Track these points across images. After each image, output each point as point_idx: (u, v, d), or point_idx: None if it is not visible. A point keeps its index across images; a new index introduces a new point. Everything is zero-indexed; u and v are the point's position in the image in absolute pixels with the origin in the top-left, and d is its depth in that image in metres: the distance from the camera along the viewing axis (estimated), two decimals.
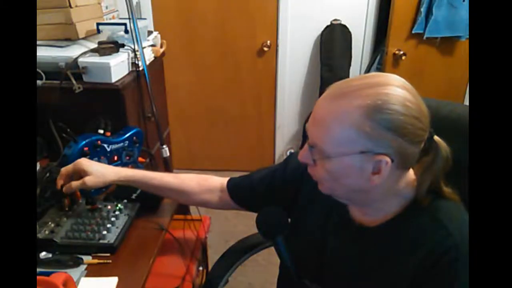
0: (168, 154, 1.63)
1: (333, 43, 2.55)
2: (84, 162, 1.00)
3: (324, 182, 0.75)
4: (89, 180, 0.97)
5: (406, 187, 0.73)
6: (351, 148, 0.67)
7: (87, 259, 0.94)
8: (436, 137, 0.70)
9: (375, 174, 0.68)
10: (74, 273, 0.89)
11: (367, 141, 0.66)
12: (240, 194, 1.02)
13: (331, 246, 0.84)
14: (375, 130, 0.65)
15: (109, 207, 1.08)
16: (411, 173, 0.74)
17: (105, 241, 0.96)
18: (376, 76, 0.70)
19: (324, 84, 2.60)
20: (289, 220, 0.95)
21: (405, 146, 0.66)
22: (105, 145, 1.19)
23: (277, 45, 2.66)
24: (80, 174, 0.99)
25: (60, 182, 1.00)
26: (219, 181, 1.04)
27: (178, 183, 1.02)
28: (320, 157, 0.71)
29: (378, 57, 2.65)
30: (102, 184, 1.00)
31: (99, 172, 0.99)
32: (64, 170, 1.00)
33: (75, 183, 0.98)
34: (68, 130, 1.13)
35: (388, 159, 0.66)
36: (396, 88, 0.66)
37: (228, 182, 1.04)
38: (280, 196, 0.96)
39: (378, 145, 0.66)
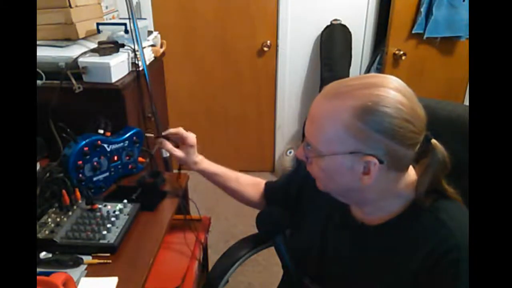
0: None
1: (333, 43, 2.55)
2: (194, 140, 1.08)
3: (319, 179, 0.76)
4: (179, 153, 1.07)
5: (407, 187, 0.73)
6: (341, 148, 0.68)
7: (87, 259, 0.94)
8: (433, 141, 0.70)
9: (365, 174, 0.68)
10: (74, 273, 0.89)
11: (356, 142, 0.66)
12: (270, 197, 1.08)
13: (332, 246, 0.84)
14: (364, 131, 0.65)
15: (109, 207, 1.08)
16: (412, 174, 0.74)
17: (105, 241, 0.96)
18: (372, 77, 0.70)
19: (324, 84, 2.59)
20: (292, 219, 0.96)
21: (396, 148, 0.66)
22: (105, 145, 1.19)
23: (277, 45, 2.66)
24: (181, 143, 1.08)
25: (167, 132, 1.09)
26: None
27: (237, 186, 1.10)
28: (314, 155, 0.72)
29: (378, 57, 2.65)
30: (184, 162, 1.08)
31: (188, 152, 1.07)
32: (179, 129, 1.09)
33: (170, 146, 1.08)
34: (68, 130, 1.13)
35: (376, 161, 0.66)
36: (389, 90, 0.66)
37: (265, 186, 1.10)
38: (291, 193, 0.98)
39: (367, 146, 0.66)
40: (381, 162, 0.67)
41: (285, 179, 1.06)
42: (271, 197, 1.08)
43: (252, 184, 1.11)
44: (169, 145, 1.08)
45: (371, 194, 0.73)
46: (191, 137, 1.08)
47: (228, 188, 1.10)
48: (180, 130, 1.09)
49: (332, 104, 0.68)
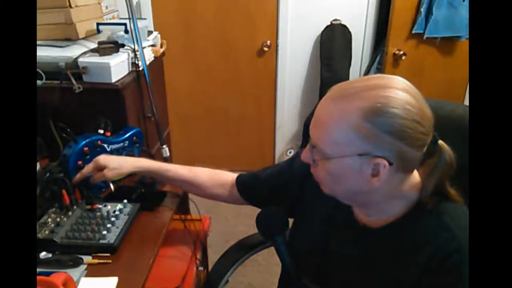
0: (168, 154, 1.63)
1: (333, 43, 2.55)
2: (102, 158, 1.07)
3: (325, 182, 0.75)
4: (107, 172, 1.05)
5: (411, 189, 0.73)
6: (349, 150, 0.67)
7: (87, 259, 0.94)
8: (440, 142, 0.70)
9: (374, 176, 0.68)
10: (74, 273, 0.89)
11: (365, 144, 0.66)
12: (248, 191, 1.04)
13: (334, 247, 0.84)
14: (373, 133, 0.65)
15: (109, 207, 1.08)
16: (416, 176, 0.74)
17: (105, 241, 0.96)
18: (379, 78, 0.69)
19: (324, 84, 2.60)
20: (292, 219, 0.95)
21: (405, 149, 0.66)
22: (105, 145, 1.19)
23: (277, 45, 2.66)
24: (101, 168, 1.06)
25: (77, 177, 1.07)
26: (230, 176, 1.08)
27: (191, 177, 1.06)
28: (320, 158, 0.71)
29: (378, 57, 2.65)
30: (120, 174, 1.07)
31: (117, 164, 1.06)
32: (85, 169, 1.08)
33: (97, 175, 1.06)
34: (68, 130, 1.13)
35: (386, 162, 0.66)
36: (397, 91, 0.65)
37: (237, 178, 1.06)
38: (285, 194, 0.97)
39: (376, 148, 0.66)
40: (390, 164, 0.66)
41: (273, 177, 1.01)
42: (252, 193, 1.04)
43: (208, 174, 1.08)
44: (98, 174, 1.06)
45: (377, 196, 0.72)
46: (96, 160, 1.07)
47: (183, 181, 1.06)
48: (84, 169, 1.08)
49: (339, 106, 0.67)
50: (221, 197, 1.08)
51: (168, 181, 1.10)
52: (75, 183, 1.08)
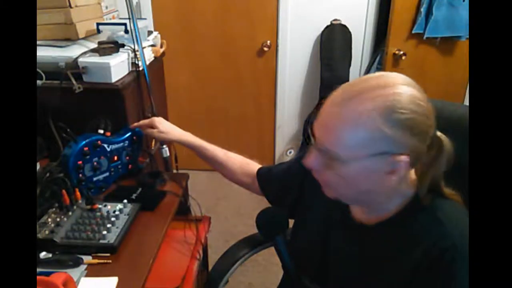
0: (168, 154, 1.63)
1: (333, 43, 2.55)
2: (158, 119, 1.20)
3: (334, 186, 0.74)
4: (155, 133, 1.18)
5: (408, 186, 0.73)
6: (366, 151, 0.66)
7: (87, 259, 0.94)
8: (438, 133, 0.70)
9: (391, 174, 0.67)
10: (74, 273, 0.89)
11: (382, 143, 0.65)
12: (263, 185, 1.08)
13: (333, 246, 0.84)
14: (389, 131, 0.64)
15: (109, 207, 1.08)
16: (412, 172, 0.74)
17: (105, 241, 0.96)
18: (380, 76, 0.69)
19: (324, 84, 2.60)
20: (294, 219, 0.95)
21: (417, 144, 0.66)
22: (105, 145, 1.19)
23: (277, 45, 2.66)
24: (153, 127, 1.19)
25: (135, 125, 1.24)
26: (257, 168, 1.13)
27: (225, 160, 1.16)
28: (332, 162, 0.69)
29: (378, 57, 2.65)
30: (164, 138, 1.20)
31: (166, 129, 1.18)
32: (142, 121, 1.23)
33: (147, 131, 1.21)
34: (68, 130, 1.13)
35: (406, 159, 0.66)
36: (404, 87, 0.66)
37: (258, 170, 1.10)
38: (289, 194, 0.98)
39: (394, 145, 0.65)
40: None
41: (281, 174, 1.04)
42: (266, 187, 1.08)
43: (239, 161, 1.16)
44: (148, 130, 1.20)
45: (383, 194, 0.72)
46: (152, 119, 1.21)
47: (217, 162, 1.15)
48: (141, 121, 1.24)
49: (348, 109, 0.66)
50: (246, 185, 1.13)
51: (204, 159, 1.18)
52: (132, 127, 1.24)
